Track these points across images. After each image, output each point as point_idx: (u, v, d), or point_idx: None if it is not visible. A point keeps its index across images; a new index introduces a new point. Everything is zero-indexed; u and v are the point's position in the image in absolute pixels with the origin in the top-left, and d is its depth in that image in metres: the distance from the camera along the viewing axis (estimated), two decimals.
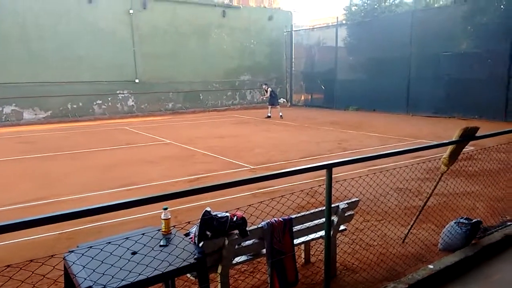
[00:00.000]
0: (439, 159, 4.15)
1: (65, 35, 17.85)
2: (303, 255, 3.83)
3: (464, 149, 4.10)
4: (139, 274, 2.05)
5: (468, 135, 3.91)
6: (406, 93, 17.86)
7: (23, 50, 17.01)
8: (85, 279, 1.97)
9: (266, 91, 17.97)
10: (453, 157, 4.03)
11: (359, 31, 20.66)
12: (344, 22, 22.13)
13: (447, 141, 3.88)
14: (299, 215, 3.17)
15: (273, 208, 2.86)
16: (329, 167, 2.75)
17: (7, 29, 16.61)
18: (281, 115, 17.40)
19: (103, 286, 1.94)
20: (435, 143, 3.75)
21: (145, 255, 2.21)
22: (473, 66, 15.58)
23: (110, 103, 19.39)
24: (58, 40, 17.70)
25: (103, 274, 2.01)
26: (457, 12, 16.11)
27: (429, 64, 16.91)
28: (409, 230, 4.24)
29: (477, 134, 3.98)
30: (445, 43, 16.22)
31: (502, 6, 14.94)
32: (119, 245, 2.22)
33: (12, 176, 7.79)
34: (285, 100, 24.90)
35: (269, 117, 17.50)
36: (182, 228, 2.54)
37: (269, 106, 17.88)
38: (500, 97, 14.59)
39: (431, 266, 3.59)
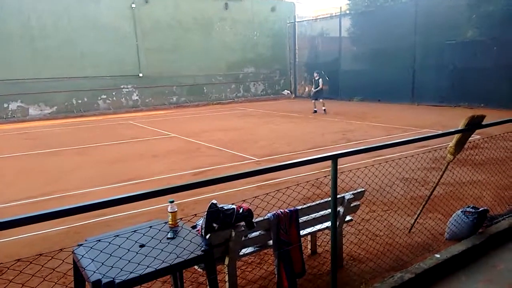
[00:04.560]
0: (445, 148, 4.12)
1: (68, 31, 17.89)
2: (309, 246, 3.84)
3: (470, 138, 4.07)
4: (147, 267, 2.06)
5: (474, 123, 3.88)
6: (411, 83, 17.72)
7: (27, 47, 17.09)
8: (94, 272, 1.99)
9: (318, 82, 15.09)
10: (459, 146, 4.00)
11: (363, 21, 20.47)
12: (347, 12, 21.93)
13: (453, 130, 3.85)
14: (305, 206, 3.17)
15: (279, 199, 2.86)
16: (334, 158, 2.73)
17: (11, 27, 16.70)
18: (324, 110, 15.27)
19: (112, 279, 1.96)
20: (441, 132, 3.72)
21: (153, 248, 2.23)
22: (479, 55, 15.40)
23: (114, 98, 19.44)
24: (61, 37, 17.75)
25: (112, 267, 2.02)
26: (462, 0, 15.91)
27: (434, 53, 16.75)
28: (415, 220, 4.23)
29: (483, 123, 3.95)
30: (450, 31, 16.04)
31: None
32: (127, 238, 2.24)
33: (18, 172, 7.85)
34: (289, 91, 24.84)
35: (323, 111, 15.22)
36: (188, 221, 2.55)
37: (313, 101, 15.62)
38: (506, 85, 14.45)
39: (437, 256, 3.58)
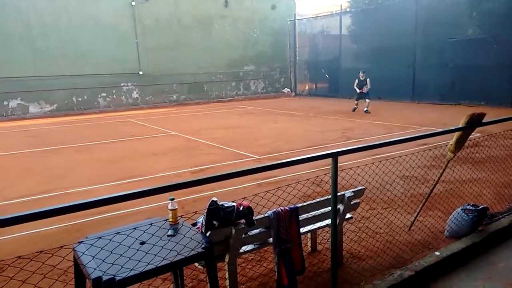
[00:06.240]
0: (446, 146, 4.12)
1: (68, 29, 17.86)
2: (309, 244, 3.85)
3: (470, 136, 4.07)
4: (148, 264, 2.07)
5: (475, 121, 3.87)
6: (411, 81, 17.71)
7: (27, 45, 17.06)
8: (94, 269, 1.99)
9: (366, 81, 14.56)
10: (459, 144, 4.00)
11: (363, 18, 20.44)
12: (348, 9, 21.90)
13: (453, 128, 3.85)
14: (305, 204, 3.18)
15: (279, 197, 2.87)
16: (335, 156, 2.73)
17: (11, 26, 16.66)
18: (366, 110, 14.55)
19: (112, 276, 1.96)
20: (441, 130, 3.72)
21: (154, 245, 2.23)
22: (479, 52, 15.38)
23: (114, 96, 19.43)
24: (61, 35, 17.71)
25: (113, 264, 2.03)
26: None
27: (435, 51, 16.74)
28: (415, 218, 4.23)
29: (484, 121, 3.94)
30: (450, 29, 16.02)
31: None
32: (127, 236, 2.24)
33: (18, 170, 7.85)
34: (289, 89, 24.82)
35: (364, 111, 14.64)
36: (189, 218, 2.55)
37: (356, 100, 15.08)
38: (506, 83, 14.45)
39: (437, 253, 3.59)
